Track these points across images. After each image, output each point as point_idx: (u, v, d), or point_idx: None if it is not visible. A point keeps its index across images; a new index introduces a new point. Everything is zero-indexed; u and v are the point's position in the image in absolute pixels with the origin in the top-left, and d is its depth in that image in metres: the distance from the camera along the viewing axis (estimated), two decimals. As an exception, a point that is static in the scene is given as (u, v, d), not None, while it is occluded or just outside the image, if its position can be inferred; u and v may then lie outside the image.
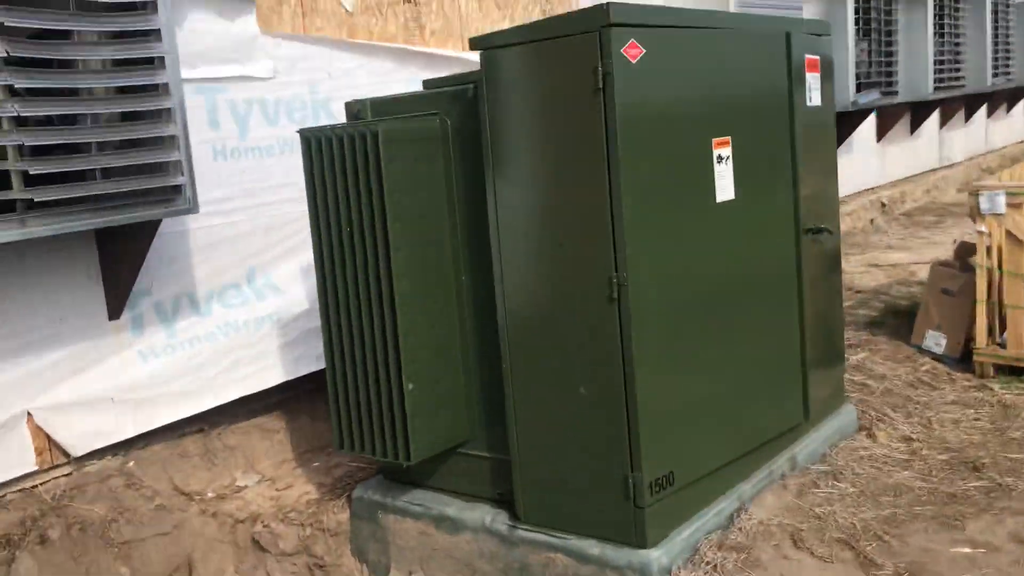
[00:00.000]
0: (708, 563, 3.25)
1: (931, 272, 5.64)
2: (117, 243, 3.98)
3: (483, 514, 3.53)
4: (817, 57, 3.90)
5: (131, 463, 4.21)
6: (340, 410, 3.61)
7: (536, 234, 3.21)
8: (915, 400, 4.85)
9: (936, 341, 5.52)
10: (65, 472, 4.03)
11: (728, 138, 3.34)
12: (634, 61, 2.96)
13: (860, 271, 7.76)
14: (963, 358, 5.33)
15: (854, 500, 3.80)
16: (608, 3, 2.90)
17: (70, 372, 3.99)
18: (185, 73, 4.27)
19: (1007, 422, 4.57)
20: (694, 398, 3.29)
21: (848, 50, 8.59)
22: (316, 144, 3.44)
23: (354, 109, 3.67)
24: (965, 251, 5.67)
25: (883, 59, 9.17)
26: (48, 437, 3.95)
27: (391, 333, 3.38)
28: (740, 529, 3.46)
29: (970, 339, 5.25)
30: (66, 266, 3.96)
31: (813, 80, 3.86)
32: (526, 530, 3.39)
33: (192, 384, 4.35)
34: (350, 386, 3.56)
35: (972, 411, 4.73)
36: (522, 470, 3.40)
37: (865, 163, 10.48)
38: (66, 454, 4.01)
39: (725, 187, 3.34)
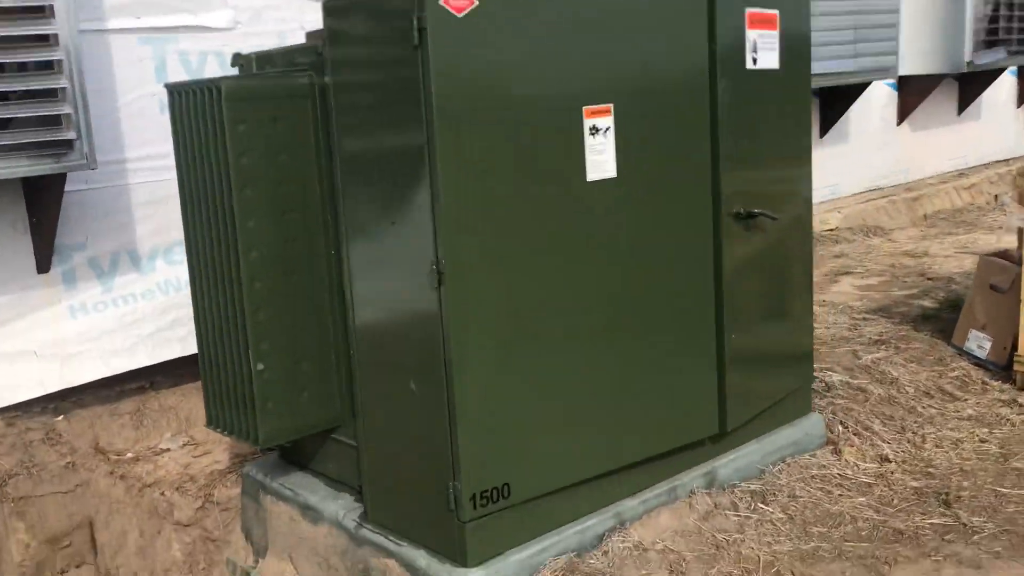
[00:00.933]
0: (546, 590, 2.88)
1: (980, 263, 4.88)
2: (36, 195, 3.93)
3: (340, 507, 3.28)
4: (772, 12, 3.33)
5: (59, 418, 4.19)
6: (207, 385, 3.42)
7: (372, 211, 2.88)
8: (920, 412, 4.21)
9: (979, 343, 4.79)
10: (-14, 423, 4.06)
11: (609, 106, 2.88)
12: (460, 14, 2.56)
13: (947, 255, 6.90)
14: (1009, 365, 4.60)
15: (775, 528, 3.30)
16: (424, -55, 2.50)
17: (-9, 323, 3.99)
18: (127, 23, 4.17)
19: (1020, 447, 3.88)
20: (546, 403, 2.88)
21: (965, 4, 7.60)
22: (178, 99, 3.21)
23: (239, 62, 3.42)
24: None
25: (1016, 13, 8.07)
26: (-32, 387, 3.98)
27: (239, 309, 3.15)
28: (605, 552, 3.05)
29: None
30: (-10, 217, 3.94)
31: (761, 38, 3.30)
32: (369, 530, 3.11)
33: (125, 341, 4.28)
34: (212, 361, 3.36)
35: (986, 430, 4.05)
36: (367, 465, 3.12)
37: (996, 131, 9.37)
38: (-9, 404, 4.03)
39: (601, 163, 2.89)
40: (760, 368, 3.50)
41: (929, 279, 6.23)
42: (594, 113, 2.86)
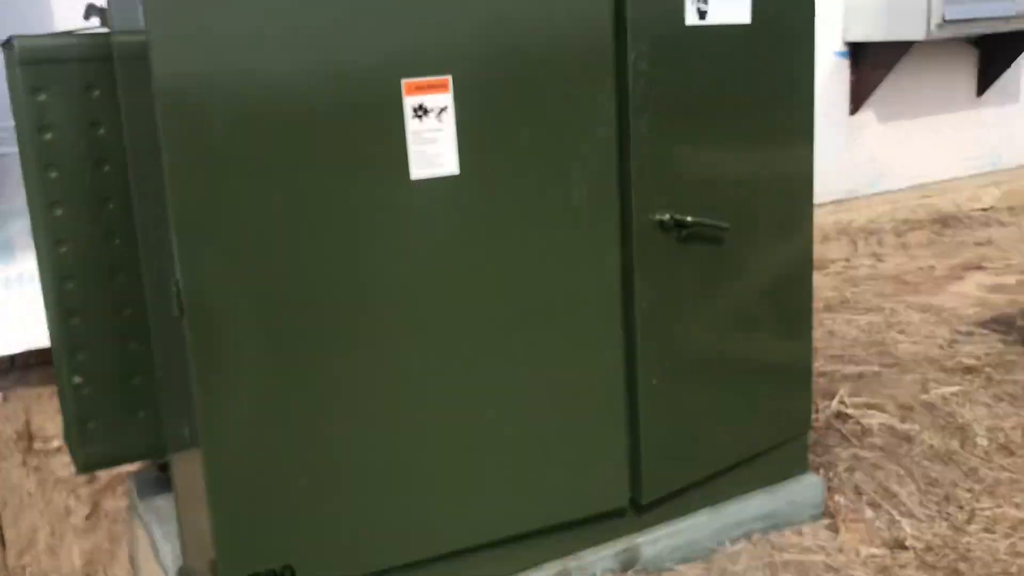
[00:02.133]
0: None
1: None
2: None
3: (172, 550, 2.76)
4: (738, -56, 2.44)
5: (-4, 397, 3.92)
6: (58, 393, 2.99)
7: (144, 209, 2.31)
8: (981, 476, 3.20)
9: (1102, 382, 3.66)
10: (-87, 402, 3.83)
11: (445, 78, 2.13)
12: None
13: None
14: None
15: (698, 638, 2.51)
16: None
17: (-80, 296, 3.74)
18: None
19: (1104, 543, 2.85)
20: (347, 465, 2.22)
21: None
22: (3, 58, 2.74)
23: (94, 14, 2.87)
24: None
25: None
26: None
27: (54, 311, 2.67)
28: (439, 657, 2.38)
29: None
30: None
31: (715, -18, 2.42)
32: (181, 589, 2.59)
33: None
34: (56, 367, 2.92)
35: (1066, 511, 3.02)
36: (178, 514, 2.58)
37: None
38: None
39: (433, 156, 2.16)
40: (707, 421, 2.66)
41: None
42: (421, 88, 2.12)
